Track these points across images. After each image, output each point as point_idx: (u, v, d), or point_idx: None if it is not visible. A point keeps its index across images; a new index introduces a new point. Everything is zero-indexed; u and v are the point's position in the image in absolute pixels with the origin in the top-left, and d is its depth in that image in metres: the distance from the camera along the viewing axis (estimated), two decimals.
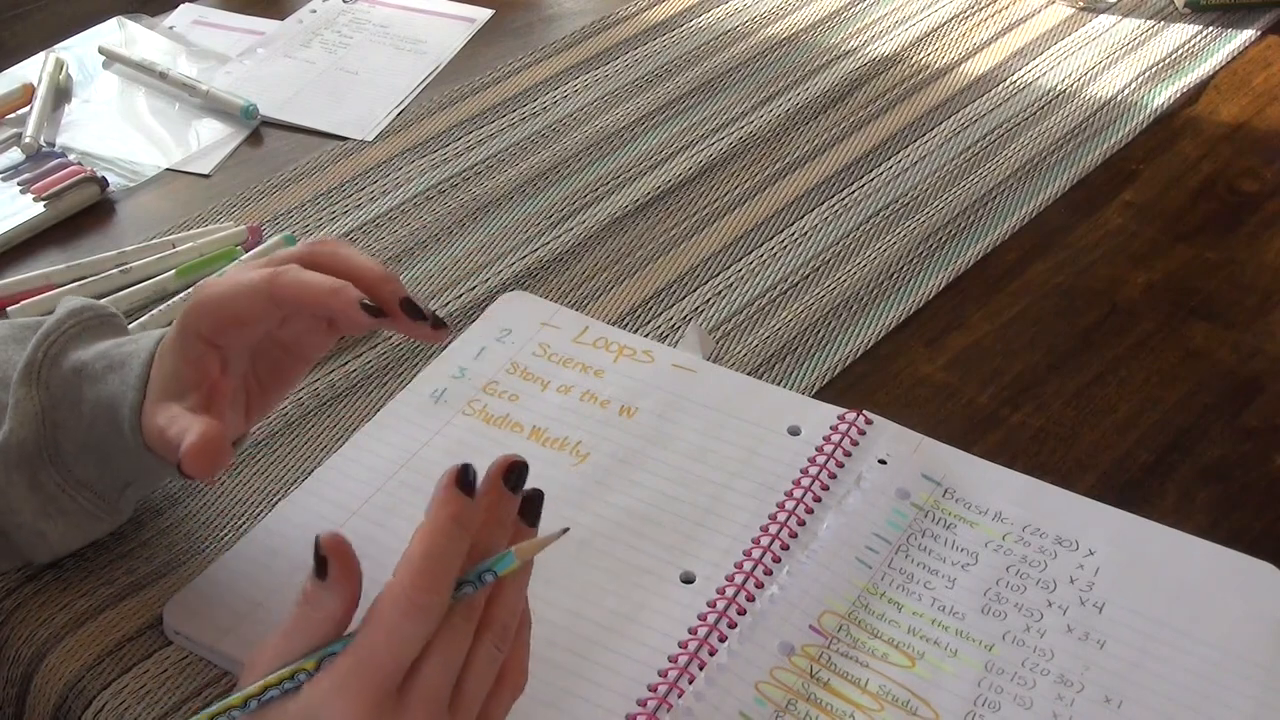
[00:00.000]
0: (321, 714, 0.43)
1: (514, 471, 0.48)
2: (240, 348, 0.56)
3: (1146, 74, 0.96)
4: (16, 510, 0.56)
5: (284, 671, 0.44)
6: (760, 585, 0.57)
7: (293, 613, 0.46)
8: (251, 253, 0.79)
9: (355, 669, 0.43)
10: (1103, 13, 1.04)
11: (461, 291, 0.78)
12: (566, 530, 0.48)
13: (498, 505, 0.48)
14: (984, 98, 0.94)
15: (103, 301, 0.64)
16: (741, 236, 0.82)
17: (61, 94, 0.99)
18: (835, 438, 0.64)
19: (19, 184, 0.87)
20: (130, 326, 0.66)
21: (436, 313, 0.54)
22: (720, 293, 0.77)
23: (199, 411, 0.54)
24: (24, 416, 0.56)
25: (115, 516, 0.59)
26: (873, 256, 0.80)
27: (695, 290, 0.77)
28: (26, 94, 0.96)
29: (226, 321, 0.54)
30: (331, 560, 0.45)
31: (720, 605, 0.56)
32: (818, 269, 0.79)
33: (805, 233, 0.82)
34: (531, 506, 0.49)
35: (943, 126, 0.92)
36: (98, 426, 0.56)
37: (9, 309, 0.76)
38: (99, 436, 0.56)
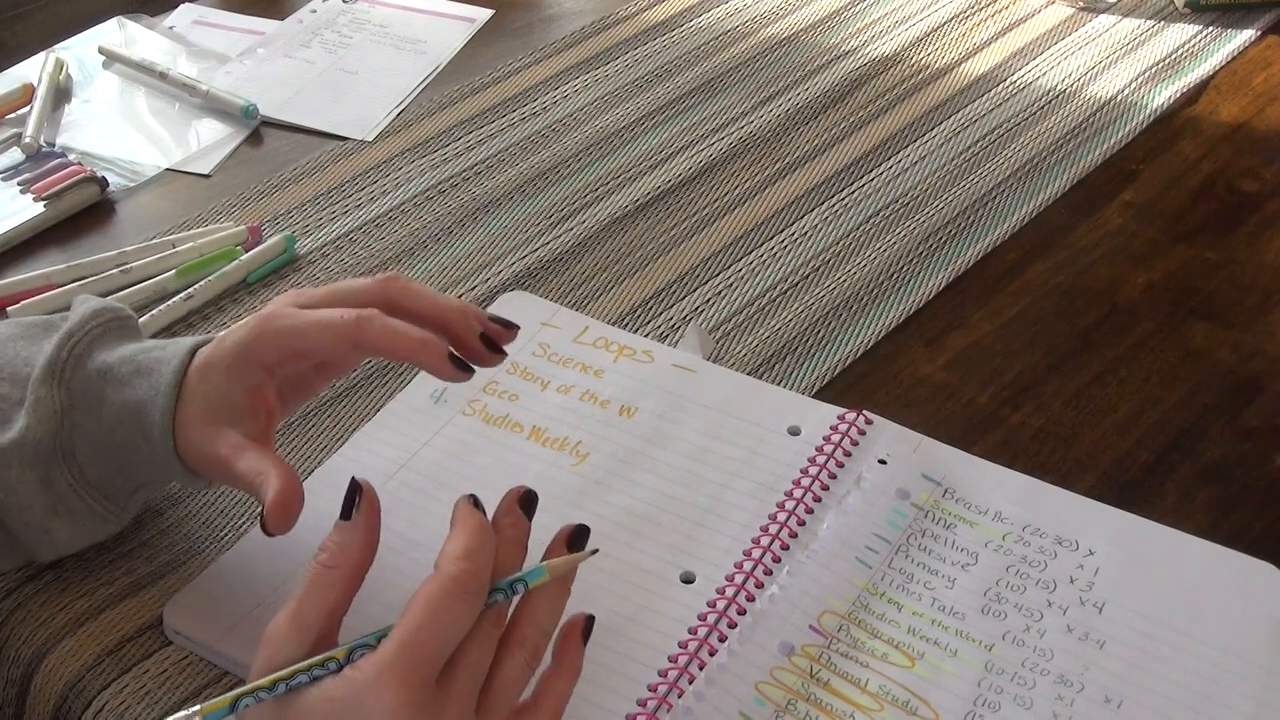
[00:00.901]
0: (367, 700, 0.43)
1: (528, 499, 0.52)
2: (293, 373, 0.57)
3: (1146, 74, 0.96)
4: (26, 507, 0.56)
5: (314, 660, 0.45)
6: (760, 585, 0.57)
7: (308, 570, 0.47)
8: (252, 253, 0.79)
9: (401, 654, 0.44)
10: (1103, 13, 1.04)
11: (462, 291, 0.78)
12: (596, 551, 0.51)
13: (514, 527, 0.51)
14: (984, 98, 0.94)
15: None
16: (741, 236, 0.82)
17: (61, 94, 0.99)
18: (835, 438, 0.64)
19: (19, 184, 0.87)
20: None
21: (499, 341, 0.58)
22: (720, 293, 0.77)
23: (259, 440, 0.55)
24: (43, 415, 0.56)
25: (121, 518, 0.59)
26: (873, 256, 0.80)
27: (695, 290, 0.77)
28: (26, 94, 0.96)
29: (297, 355, 0.55)
30: (362, 496, 0.48)
31: (720, 605, 0.56)
32: (818, 269, 0.79)
33: (805, 233, 0.82)
34: (579, 538, 0.51)
35: (943, 126, 0.92)
36: (120, 430, 0.56)
37: (9, 309, 0.76)
38: (120, 440, 0.56)
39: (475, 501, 0.50)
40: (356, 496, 0.49)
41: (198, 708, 0.44)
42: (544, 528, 0.61)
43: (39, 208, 0.85)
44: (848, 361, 0.72)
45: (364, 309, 0.54)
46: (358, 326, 0.54)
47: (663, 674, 0.54)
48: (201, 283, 0.77)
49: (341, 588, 0.47)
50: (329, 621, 0.47)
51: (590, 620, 0.51)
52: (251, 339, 0.55)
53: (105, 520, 0.58)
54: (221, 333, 0.57)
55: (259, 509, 0.52)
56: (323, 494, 0.63)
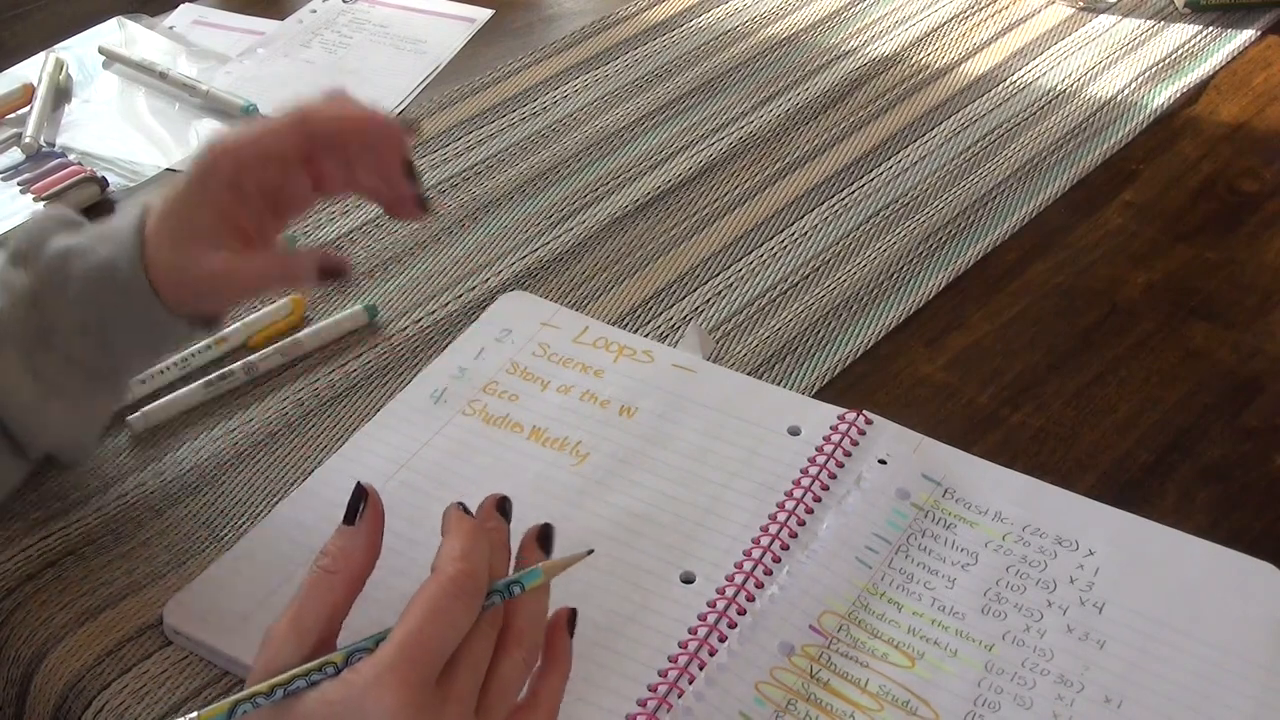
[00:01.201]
0: (367, 701, 0.43)
1: (504, 504, 0.52)
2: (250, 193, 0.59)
3: (1146, 74, 0.96)
4: (16, 390, 0.57)
5: (311, 665, 0.44)
6: (760, 585, 0.57)
7: (309, 575, 0.47)
8: None
9: (402, 654, 0.44)
10: (1103, 13, 1.04)
11: (461, 291, 0.78)
12: (591, 551, 0.50)
13: (497, 531, 0.51)
14: (984, 98, 0.94)
15: None
16: (741, 236, 0.82)
17: (61, 94, 0.99)
18: (835, 438, 0.64)
19: (19, 184, 0.87)
20: None
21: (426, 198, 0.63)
22: (720, 293, 0.77)
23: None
24: (15, 296, 0.58)
25: (112, 396, 0.61)
26: (873, 256, 0.80)
27: (695, 290, 0.77)
28: (26, 94, 0.96)
29: (258, 160, 0.58)
30: (368, 502, 0.48)
31: (720, 605, 0.56)
32: (818, 269, 0.79)
33: (805, 233, 0.82)
34: (547, 537, 0.52)
35: (943, 126, 0.92)
36: (95, 296, 0.58)
37: None
38: (97, 308, 0.58)
39: (464, 508, 0.50)
40: (361, 502, 0.48)
41: (195, 714, 0.44)
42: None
43: (39, 208, 0.85)
44: (848, 361, 0.72)
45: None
46: (304, 116, 0.59)
47: (663, 674, 0.54)
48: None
49: (342, 592, 0.47)
50: (329, 625, 0.47)
51: (573, 614, 0.51)
52: (206, 160, 0.58)
53: (96, 397, 0.60)
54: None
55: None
56: (323, 494, 0.64)
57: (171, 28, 1.08)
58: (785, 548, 0.59)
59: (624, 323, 0.75)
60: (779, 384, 0.70)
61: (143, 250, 0.57)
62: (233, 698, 0.44)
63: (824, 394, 0.70)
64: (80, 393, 0.59)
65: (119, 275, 0.57)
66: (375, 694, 0.43)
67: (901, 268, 0.79)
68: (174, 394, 0.69)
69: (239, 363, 0.71)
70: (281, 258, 0.59)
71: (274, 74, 1.01)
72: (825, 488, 0.62)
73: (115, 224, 0.59)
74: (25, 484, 0.65)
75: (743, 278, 0.78)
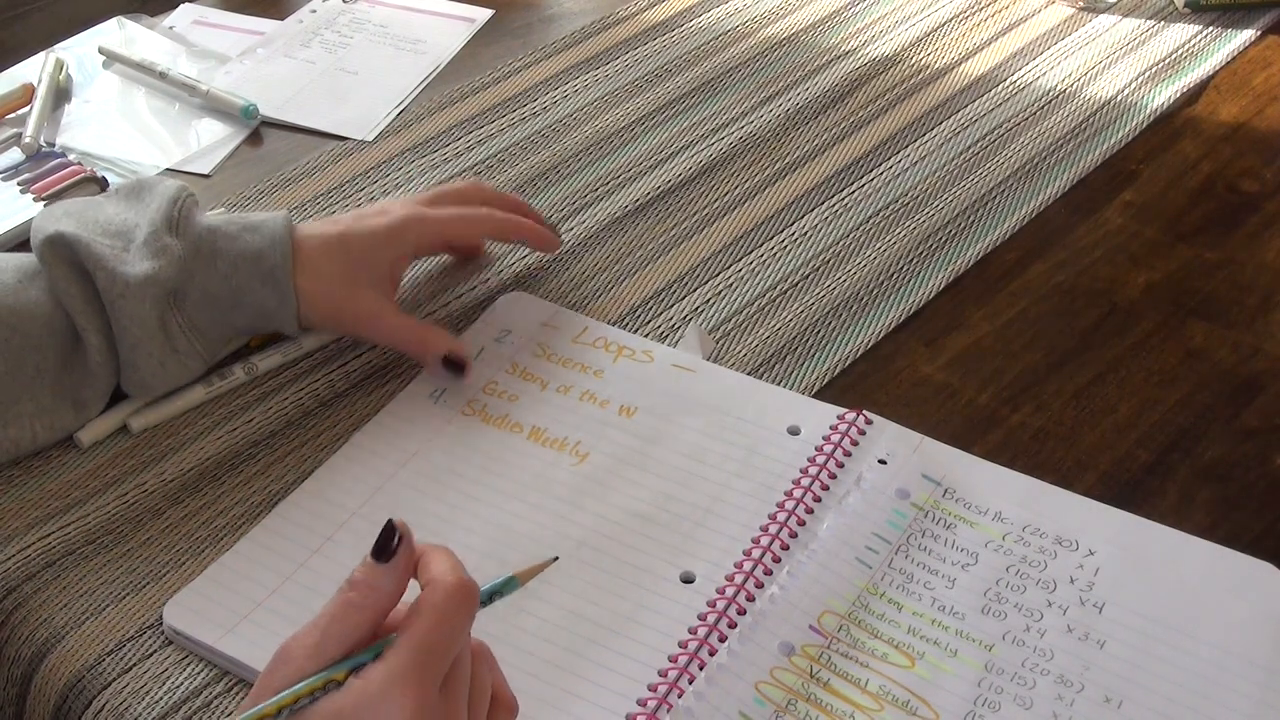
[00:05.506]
0: (383, 706, 0.43)
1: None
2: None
3: (1146, 74, 0.96)
4: (150, 339, 0.65)
5: (315, 681, 0.44)
6: (760, 585, 0.57)
7: (334, 603, 0.45)
8: None
9: (415, 660, 0.43)
10: (1103, 13, 1.04)
11: (462, 291, 0.78)
12: (556, 559, 0.49)
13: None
14: (984, 98, 0.94)
15: None
16: (741, 236, 0.82)
17: (61, 94, 0.99)
18: (835, 438, 0.64)
19: (19, 184, 0.87)
20: None
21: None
22: (720, 293, 0.77)
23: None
24: (171, 259, 0.65)
25: (203, 363, 0.68)
26: (873, 256, 0.80)
27: (695, 290, 0.77)
28: (26, 94, 0.96)
29: (444, 242, 0.76)
30: (403, 542, 0.46)
31: (720, 605, 0.56)
32: (818, 269, 0.79)
33: (805, 233, 0.82)
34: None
35: (943, 126, 0.92)
36: (236, 276, 0.67)
37: None
38: (235, 285, 0.67)
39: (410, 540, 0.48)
40: (394, 539, 0.46)
41: None
42: (544, 527, 0.62)
43: (39, 208, 0.85)
44: (848, 361, 0.72)
45: (479, 208, 0.74)
46: (489, 217, 0.74)
47: (663, 674, 0.54)
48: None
49: (367, 626, 0.45)
50: (350, 653, 0.46)
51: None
52: (407, 222, 0.70)
53: (201, 361, 0.68)
54: (330, 218, 0.72)
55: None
56: (323, 494, 0.64)
57: (171, 28, 1.08)
58: (785, 548, 0.59)
59: (624, 323, 0.75)
60: (779, 384, 0.70)
61: (295, 255, 0.67)
62: (243, 716, 0.43)
63: (824, 394, 0.70)
64: (189, 352, 0.67)
65: (264, 264, 0.66)
66: (393, 698, 0.43)
67: (901, 268, 0.79)
68: (174, 394, 0.69)
69: (239, 363, 0.71)
70: (420, 328, 0.69)
71: (274, 74, 1.01)
72: (825, 488, 0.62)
73: (259, 221, 0.68)
74: (25, 484, 0.66)
75: (743, 278, 0.78)
